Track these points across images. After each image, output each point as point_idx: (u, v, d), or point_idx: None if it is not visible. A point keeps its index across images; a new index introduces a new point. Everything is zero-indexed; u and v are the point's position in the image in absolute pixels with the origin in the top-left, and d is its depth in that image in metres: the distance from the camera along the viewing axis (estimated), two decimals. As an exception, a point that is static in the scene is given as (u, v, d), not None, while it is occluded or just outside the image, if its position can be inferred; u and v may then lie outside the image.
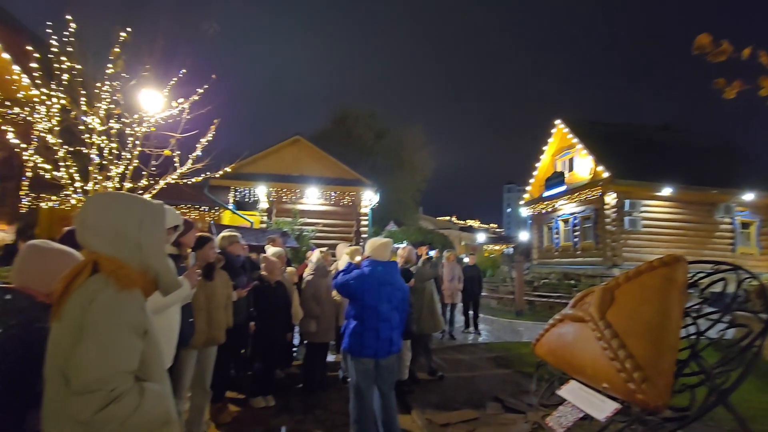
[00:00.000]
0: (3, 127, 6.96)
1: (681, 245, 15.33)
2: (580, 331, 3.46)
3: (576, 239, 17.77)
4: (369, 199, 16.10)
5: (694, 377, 3.08)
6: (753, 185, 15.75)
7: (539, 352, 4.11)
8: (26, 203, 10.25)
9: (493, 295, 15.73)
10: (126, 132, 6.91)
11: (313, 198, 15.52)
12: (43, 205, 9.39)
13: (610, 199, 15.64)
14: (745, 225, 16.32)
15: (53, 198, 8.71)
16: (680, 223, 16.09)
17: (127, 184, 6.87)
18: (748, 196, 15.81)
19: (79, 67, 6.60)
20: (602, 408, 3.13)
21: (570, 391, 3.57)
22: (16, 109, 6.74)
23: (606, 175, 15.46)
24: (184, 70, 7.22)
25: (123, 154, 6.89)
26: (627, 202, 15.50)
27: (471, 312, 8.92)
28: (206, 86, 7.33)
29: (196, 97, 7.26)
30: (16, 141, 6.56)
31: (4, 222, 10.99)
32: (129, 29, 6.79)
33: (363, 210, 16.04)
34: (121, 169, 6.82)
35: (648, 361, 2.85)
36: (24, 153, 6.63)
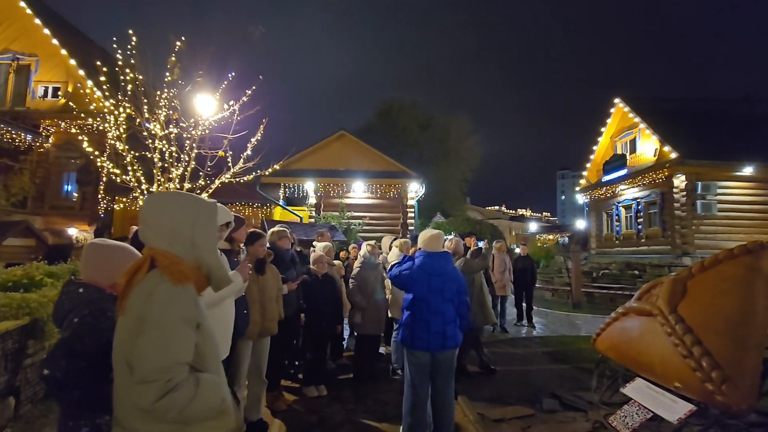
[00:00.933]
0: (80, 137, 7.69)
1: (764, 230, 13.74)
2: (648, 326, 3.19)
3: (640, 226, 16.50)
4: (415, 190, 16.00)
5: (786, 379, 2.73)
6: None
7: (600, 347, 3.87)
8: (103, 206, 11.29)
9: (548, 286, 15.06)
10: (183, 136, 7.36)
11: (359, 192, 15.69)
12: (116, 206, 10.28)
13: (679, 181, 14.31)
14: None
15: (125, 200, 9.51)
16: (763, 205, 14.40)
17: (187, 185, 7.33)
18: None
19: (141, 77, 7.11)
20: (674, 409, 2.88)
21: (636, 389, 3.33)
22: (90, 120, 7.40)
23: (674, 155, 14.16)
24: (233, 73, 7.54)
25: (182, 156, 7.35)
26: (699, 184, 14.12)
27: (524, 304, 8.60)
28: (254, 87, 7.62)
29: (245, 99, 7.57)
30: (91, 149, 7.20)
31: (85, 223, 12.21)
32: (183, 38, 7.20)
33: (409, 202, 15.98)
34: (180, 170, 7.29)
35: (729, 359, 2.57)
36: (98, 159, 7.27)
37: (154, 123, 7.08)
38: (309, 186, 15.41)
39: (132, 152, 7.07)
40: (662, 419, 2.99)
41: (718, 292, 2.86)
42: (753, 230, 13.78)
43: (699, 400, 2.78)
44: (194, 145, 7.39)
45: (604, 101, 19.01)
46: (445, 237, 5.67)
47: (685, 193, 14.21)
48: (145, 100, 7.04)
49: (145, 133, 7.07)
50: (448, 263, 3.45)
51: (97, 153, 7.23)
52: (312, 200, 15.45)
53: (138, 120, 7.04)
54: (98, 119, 7.32)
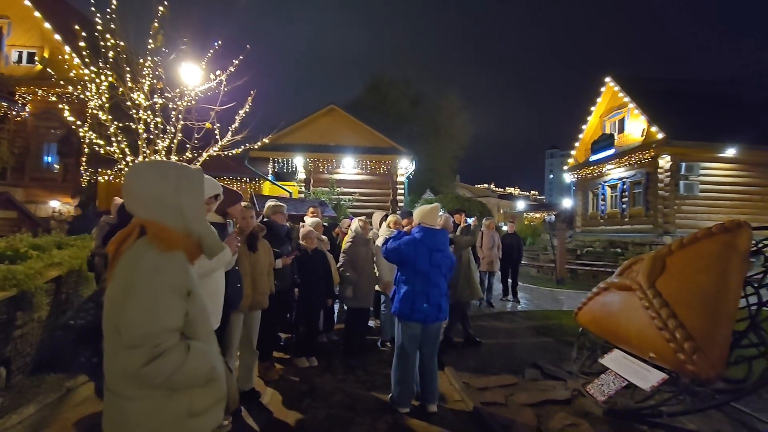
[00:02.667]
0: (60, 106, 7.42)
1: (744, 211, 14.18)
2: (627, 300, 3.33)
3: (624, 205, 16.85)
4: (405, 167, 15.95)
5: (752, 349, 2.91)
6: (834, 143, 14.07)
7: (581, 321, 4.03)
8: (86, 178, 11.03)
9: (533, 263, 15.43)
10: (169, 106, 7.16)
11: (349, 167, 15.58)
12: (100, 179, 10.05)
13: (664, 162, 14.56)
14: (821, 188, 14.74)
15: (109, 172, 9.29)
16: (744, 186, 14.81)
17: (173, 157, 7.19)
18: (828, 156, 14.19)
19: (122, 44, 6.83)
20: (648, 377, 3.05)
21: (613, 359, 3.50)
22: (70, 88, 7.12)
23: (660, 135, 14.35)
24: (219, 42, 7.29)
25: (167, 128, 7.18)
26: (683, 164, 14.39)
27: (510, 280, 8.81)
28: (241, 57, 7.39)
29: (232, 69, 7.35)
30: (72, 119, 6.97)
31: (68, 195, 11.93)
32: (166, 2, 6.89)
33: (399, 179, 15.95)
34: (166, 142, 7.13)
35: (701, 331, 2.72)
36: (80, 130, 7.05)
37: (138, 92, 6.86)
38: (298, 161, 15.22)
39: (116, 123, 6.87)
40: (636, 387, 3.18)
41: (695, 269, 2.99)
42: (732, 210, 14.20)
43: (671, 369, 2.95)
44: (180, 116, 7.20)
45: (594, 80, 18.98)
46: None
47: (669, 173, 14.48)
48: (128, 69, 6.79)
49: (128, 103, 6.85)
50: (445, 239, 3.57)
51: (78, 123, 7.00)
52: (301, 175, 15.31)
53: (121, 89, 6.80)
54: (78, 87, 7.04)
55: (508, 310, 7.87)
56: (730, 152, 14.34)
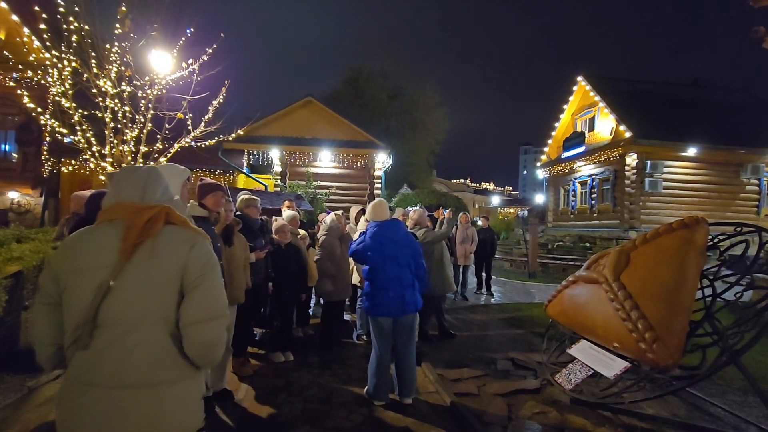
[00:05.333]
0: (18, 91, 7.01)
1: (703, 207, 14.95)
2: (593, 293, 3.47)
3: (593, 201, 17.46)
4: (382, 161, 15.96)
5: (706, 338, 3.09)
6: (784, 144, 15.01)
7: (551, 313, 4.17)
8: (48, 167, 10.49)
9: (507, 257, 15.79)
10: (138, 95, 6.89)
11: (326, 161, 15.45)
12: (63, 169, 9.58)
13: (631, 160, 15.15)
14: (773, 186, 15.72)
15: (73, 162, 8.86)
16: (703, 184, 15.59)
17: (143, 148, 6.93)
18: (778, 156, 15.14)
19: (87, 27, 6.50)
20: (612, 366, 3.20)
21: (580, 350, 3.65)
22: (30, 73, 6.74)
23: (628, 134, 14.90)
24: (192, 29, 7.05)
25: (137, 117, 6.90)
26: (648, 162, 15.01)
27: (484, 274, 9.00)
28: (215, 46, 7.18)
29: (205, 57, 7.13)
30: (32, 105, 6.60)
31: (28, 186, 11.32)
32: (134, -15, 6.60)
33: (376, 173, 15.95)
34: (135, 132, 6.86)
35: (661, 321, 2.87)
36: (41, 117, 6.69)
37: (105, 79, 6.56)
38: (274, 153, 14.98)
39: (80, 111, 6.55)
40: (601, 375, 3.33)
41: (656, 262, 3.15)
42: (693, 207, 14.94)
43: (633, 358, 3.11)
44: (150, 105, 6.94)
45: (567, 79, 19.48)
46: (411, 208, 5.79)
47: (635, 171, 15.08)
48: (93, 54, 6.47)
49: (94, 91, 6.54)
50: (398, 230, 3.54)
51: (39, 110, 6.63)
52: (277, 168, 15.07)
53: (86, 75, 6.48)
54: (39, 72, 6.66)
55: (481, 303, 8.05)
56: (692, 152, 15.06)
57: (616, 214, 15.86)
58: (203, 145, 7.82)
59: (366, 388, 3.57)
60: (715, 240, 3.36)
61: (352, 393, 3.69)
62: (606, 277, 3.37)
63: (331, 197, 14.74)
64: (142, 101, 6.90)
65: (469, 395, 3.66)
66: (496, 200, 43.64)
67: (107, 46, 6.56)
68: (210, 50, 7.16)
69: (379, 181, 16.07)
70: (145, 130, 6.97)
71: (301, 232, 5.37)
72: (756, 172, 15.25)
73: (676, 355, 2.80)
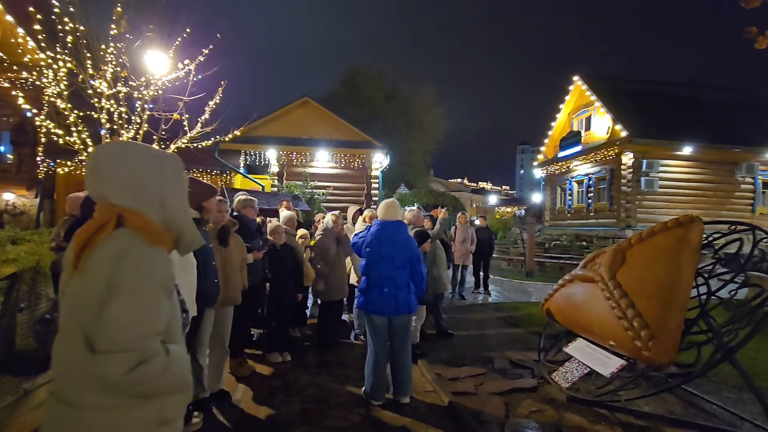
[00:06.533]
0: (13, 92, 6.97)
1: (698, 206, 15.03)
2: (590, 291, 3.49)
3: (590, 200, 17.52)
4: (379, 161, 15.95)
5: (701, 335, 3.12)
6: (779, 143, 15.13)
7: (548, 312, 4.19)
8: (43, 169, 10.43)
9: (504, 256, 15.82)
10: (134, 96, 6.87)
11: (323, 161, 15.44)
12: (59, 170, 9.53)
13: (627, 159, 15.22)
14: (767, 185, 15.83)
15: (69, 163, 8.82)
16: (699, 183, 15.68)
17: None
18: (773, 155, 15.24)
19: (82, 28, 6.47)
20: (608, 364, 3.22)
21: (576, 348, 3.67)
22: (24, 74, 6.70)
23: (624, 134, 14.96)
24: (189, 30, 7.03)
25: (132, 118, 6.88)
26: (644, 161, 15.08)
27: (481, 273, 9.02)
28: (211, 47, 7.16)
29: (201, 58, 7.11)
30: (27, 106, 6.57)
31: (23, 188, 11.26)
32: (129, -14, 6.58)
33: (374, 173, 15.94)
34: (132, 133, 6.84)
35: (656, 320, 2.89)
36: (36, 118, 6.66)
37: (100, 80, 6.53)
38: (271, 154, 14.94)
39: (76, 112, 6.52)
40: (598, 374, 3.35)
41: (652, 261, 3.17)
42: (688, 206, 15.02)
43: (629, 356, 3.13)
44: (146, 106, 6.92)
45: (564, 78, 19.54)
46: (408, 208, 5.80)
47: (631, 170, 15.15)
48: (89, 55, 6.44)
49: (90, 92, 6.51)
50: (400, 232, 3.54)
51: (35, 111, 6.60)
52: (274, 168, 15.05)
53: (81, 76, 6.45)
54: (34, 73, 6.63)
55: (479, 303, 8.07)
56: (687, 150, 15.14)
57: (613, 213, 15.92)
58: (200, 146, 7.81)
59: (363, 388, 3.58)
60: (710, 238, 3.38)
61: (349, 393, 3.69)
62: (602, 275, 3.38)
63: (328, 197, 14.72)
64: (138, 102, 6.88)
65: (466, 394, 3.67)
66: (493, 200, 43.73)
67: (103, 46, 6.54)
68: (206, 51, 7.15)
69: (377, 181, 16.07)
70: (141, 131, 6.95)
71: (302, 232, 5.37)
72: (751, 171, 15.34)
73: (671, 353, 2.82)
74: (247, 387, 3.74)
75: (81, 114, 6.61)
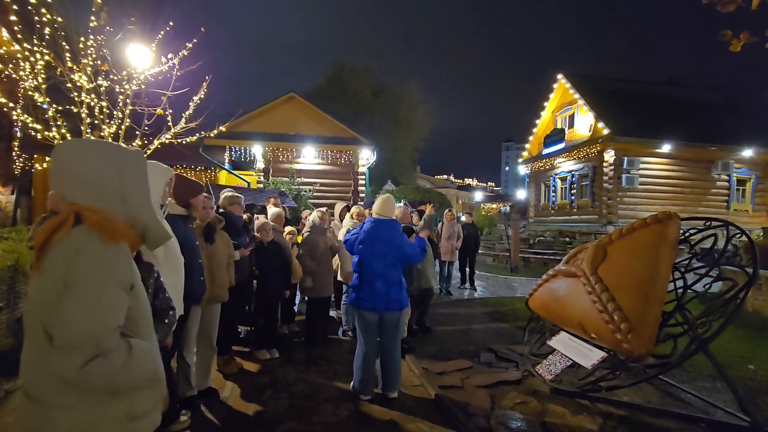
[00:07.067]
0: (-13, 85, 6.74)
1: (676, 202, 15.48)
2: (572, 286, 3.59)
3: (573, 197, 17.86)
4: (366, 158, 15.95)
5: (678, 327, 3.24)
6: (752, 142, 15.69)
7: (532, 306, 4.28)
8: (19, 164, 10.12)
9: (489, 252, 16.03)
10: (116, 90, 6.71)
11: (309, 157, 15.36)
12: (37, 166, 9.26)
13: (609, 156, 15.55)
14: (741, 182, 16.40)
15: (47, 159, 8.56)
16: (677, 180, 16.14)
17: (121, 144, 6.75)
18: (747, 153, 15.79)
19: (60, 20, 6.28)
20: (589, 356, 3.32)
21: (559, 341, 3.77)
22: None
23: (606, 131, 15.28)
24: (172, 23, 6.90)
25: (114, 113, 6.73)
26: (625, 159, 15.44)
27: (467, 269, 9.13)
28: (195, 41, 7.04)
29: (185, 53, 6.98)
30: (3, 100, 6.36)
31: (-2, 183, 10.90)
32: (109, -23, 6.40)
33: (360, 169, 15.93)
34: (114, 128, 6.68)
35: (635, 313, 2.99)
36: (12, 112, 6.45)
37: (80, 74, 6.36)
38: (257, 150, 14.80)
39: (55, 106, 6.34)
40: (580, 366, 3.45)
41: (631, 256, 3.27)
42: (666, 202, 15.46)
43: (610, 348, 3.23)
44: (128, 100, 6.77)
45: (549, 76, 19.82)
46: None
47: (613, 167, 15.50)
48: (67, 47, 6.26)
49: (69, 85, 6.34)
50: (393, 230, 3.57)
51: (11, 105, 6.39)
52: (260, 165, 14.90)
53: (60, 69, 6.27)
54: (10, 65, 6.41)
55: (465, 298, 8.17)
56: (666, 148, 15.56)
57: (595, 210, 16.28)
58: (184, 142, 7.68)
59: (352, 383, 3.61)
60: (687, 234, 3.51)
61: (338, 388, 3.72)
62: (584, 270, 3.48)
63: (315, 194, 14.67)
64: (120, 97, 6.72)
65: (453, 388, 3.73)
66: (479, 196, 44.18)
67: (82, 39, 6.36)
68: (190, 45, 7.02)
69: (364, 177, 16.07)
70: (123, 127, 6.80)
71: (290, 228, 5.36)
72: (726, 169, 15.87)
73: (649, 345, 2.93)
74: (235, 384, 3.74)
75: (60, 108, 6.43)
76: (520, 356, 4.47)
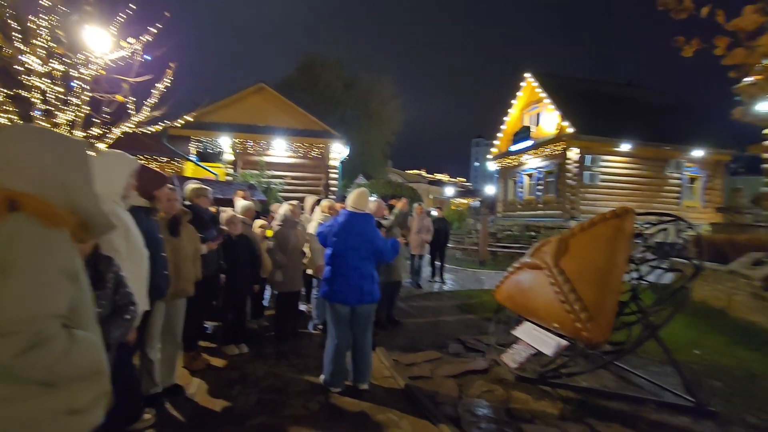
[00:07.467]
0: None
1: (634, 198, 16.33)
2: (536, 278, 3.73)
3: (539, 193, 18.47)
4: (338, 151, 15.83)
5: (632, 316, 3.44)
6: (702, 142, 16.74)
7: (499, 298, 4.43)
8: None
9: (459, 246, 16.35)
10: (72, 75, 6.33)
11: (280, 150, 15.08)
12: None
13: (573, 154, 16.17)
14: (692, 180, 17.51)
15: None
16: (635, 177, 17.02)
17: (78, 132, 6.39)
18: (697, 153, 16.85)
19: (7, -4, 5.85)
20: (551, 345, 3.47)
21: (524, 331, 3.92)
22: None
23: (570, 130, 15.86)
24: (133, 6, 6.56)
25: (70, 99, 6.35)
26: (588, 157, 16.11)
27: (437, 262, 9.28)
28: (159, 26, 6.73)
29: (148, 38, 6.67)
30: (-58, 82, 5.88)
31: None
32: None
33: (332, 162, 15.81)
34: (70, 115, 6.31)
35: (594, 302, 3.15)
36: (-47, 96, 5.98)
37: (31, 56, 5.95)
38: (224, 141, 14.38)
39: (4, 90, 5.91)
40: (542, 354, 3.61)
41: (591, 249, 3.44)
42: (625, 198, 16.28)
43: (570, 336, 3.40)
44: (86, 86, 6.40)
45: (518, 74, 20.31)
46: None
47: (576, 164, 16.15)
48: (17, 27, 5.84)
49: (19, 68, 5.92)
50: (367, 224, 3.59)
51: (-49, 88, 5.92)
52: (228, 157, 14.49)
53: (9, 51, 5.84)
54: (-51, 45, 5.91)
55: (435, 291, 8.32)
56: (625, 147, 16.36)
57: (559, 205, 16.92)
58: (147, 131, 7.36)
59: (322, 376, 3.62)
60: (641, 229, 3.72)
61: (308, 382, 3.72)
62: (547, 263, 3.63)
63: (286, 187, 14.44)
64: (77, 82, 6.35)
65: (422, 378, 3.82)
66: (450, 191, 44.82)
67: (33, 19, 5.95)
68: (153, 29, 6.71)
69: (335, 171, 15.95)
70: (80, 114, 6.43)
71: (261, 222, 5.27)
72: (678, 167, 16.89)
73: (606, 333, 3.11)
74: (202, 380, 3.65)
75: (9, 93, 6.00)
76: (487, 346, 4.61)
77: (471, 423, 3.03)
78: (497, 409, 3.24)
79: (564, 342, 3.47)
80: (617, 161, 16.80)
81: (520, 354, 3.77)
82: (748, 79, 3.27)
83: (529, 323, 3.95)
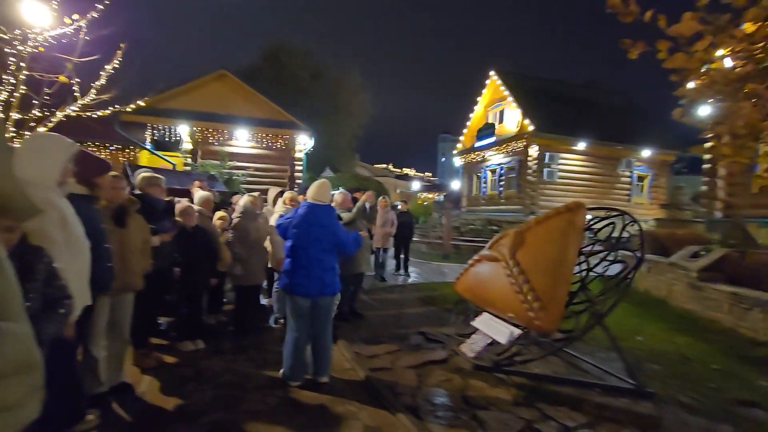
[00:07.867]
0: None
1: (588, 195, 17.15)
2: (494, 270, 3.84)
3: (501, 188, 19.02)
4: (304, 143, 15.54)
5: (581, 305, 3.62)
6: (650, 143, 17.82)
7: (459, 290, 4.53)
8: None
9: (424, 240, 16.56)
10: (7, 51, 5.81)
11: (243, 140, 14.61)
12: None
13: (533, 151, 16.75)
14: (641, 178, 18.62)
15: None
16: (589, 175, 17.88)
17: (14, 114, 5.89)
18: (646, 153, 17.93)
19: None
20: (506, 334, 3.60)
21: (481, 321, 4.04)
22: None
23: (531, 128, 16.40)
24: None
25: (4, 77, 5.83)
26: (547, 154, 16.74)
27: (402, 256, 9.36)
28: (107, 2, 6.29)
29: (95, 14, 6.22)
30: None
31: None
32: None
33: (297, 154, 15.51)
34: (4, 95, 5.80)
35: (546, 292, 3.29)
36: None
37: (-43, 29, 5.41)
38: (183, 129, 13.74)
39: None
40: (498, 343, 3.73)
41: (545, 241, 3.58)
42: (580, 194, 17.07)
43: (524, 325, 3.53)
44: (22, 64, 5.90)
45: (483, 71, 20.72)
46: (334, 192, 5.77)
47: (536, 161, 16.74)
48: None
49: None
50: (329, 216, 3.56)
51: None
52: (187, 146, 13.87)
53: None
54: None
55: (399, 284, 8.39)
56: (581, 146, 17.13)
57: (520, 200, 17.50)
58: (94, 115, 6.90)
59: (281, 370, 3.56)
60: (591, 223, 3.91)
61: (267, 377, 3.65)
62: (504, 255, 3.74)
63: (249, 179, 14.02)
64: (12, 59, 5.84)
65: (383, 369, 3.84)
66: (416, 186, 45.30)
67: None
68: (101, 6, 6.26)
69: (301, 163, 15.67)
70: (16, 94, 5.92)
71: (221, 213, 5.08)
72: (628, 166, 17.92)
73: (557, 321, 3.25)
74: (153, 378, 3.50)
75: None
76: (447, 337, 4.71)
77: (428, 411, 3.09)
78: (454, 397, 3.32)
79: (518, 331, 3.60)
80: (574, 159, 17.57)
81: (478, 344, 3.88)
82: (690, 84, 3.48)
83: (487, 314, 4.07)
